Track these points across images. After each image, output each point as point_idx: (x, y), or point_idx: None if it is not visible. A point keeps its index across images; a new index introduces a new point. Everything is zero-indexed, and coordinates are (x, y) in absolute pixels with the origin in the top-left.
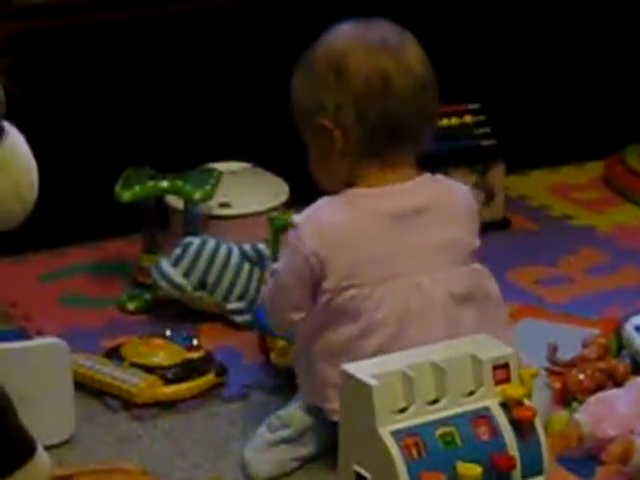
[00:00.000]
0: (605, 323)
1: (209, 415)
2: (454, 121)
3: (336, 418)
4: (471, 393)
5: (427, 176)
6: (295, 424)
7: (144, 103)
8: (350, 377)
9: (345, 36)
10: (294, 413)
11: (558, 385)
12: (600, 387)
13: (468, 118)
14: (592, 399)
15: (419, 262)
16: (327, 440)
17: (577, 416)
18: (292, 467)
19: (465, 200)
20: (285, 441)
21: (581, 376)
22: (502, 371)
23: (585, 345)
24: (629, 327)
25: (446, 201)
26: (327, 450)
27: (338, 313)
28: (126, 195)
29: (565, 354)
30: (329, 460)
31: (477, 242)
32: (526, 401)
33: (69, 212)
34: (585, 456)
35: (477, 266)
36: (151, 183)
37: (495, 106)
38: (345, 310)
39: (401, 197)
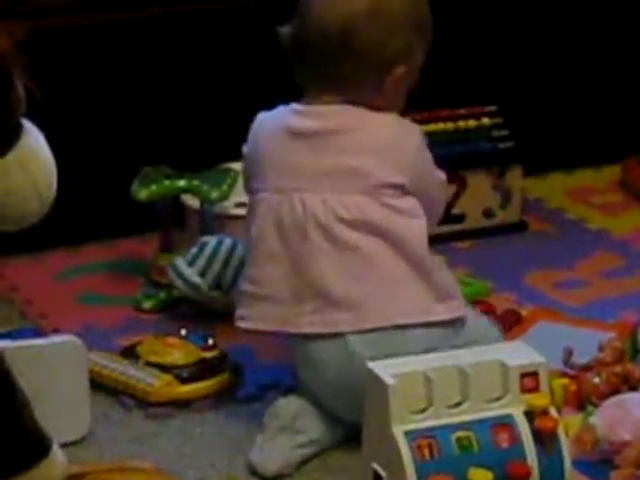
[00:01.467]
0: (621, 327)
1: (224, 415)
2: (472, 123)
3: (241, 324)
4: (497, 399)
5: (349, 107)
6: (282, 414)
7: (162, 102)
8: (372, 374)
9: None
10: (279, 404)
11: (573, 388)
12: (615, 391)
13: (486, 120)
14: (607, 403)
15: (309, 181)
16: (323, 424)
17: (592, 419)
18: (298, 456)
19: (387, 135)
20: (279, 432)
21: (596, 380)
22: (530, 379)
23: (601, 349)
24: None
25: (360, 131)
26: (328, 434)
27: (249, 213)
28: (143, 194)
29: (581, 358)
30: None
31: (397, 179)
32: (552, 411)
33: (86, 210)
34: (599, 460)
35: (396, 203)
36: (168, 182)
37: (513, 108)
38: (251, 211)
39: (310, 118)
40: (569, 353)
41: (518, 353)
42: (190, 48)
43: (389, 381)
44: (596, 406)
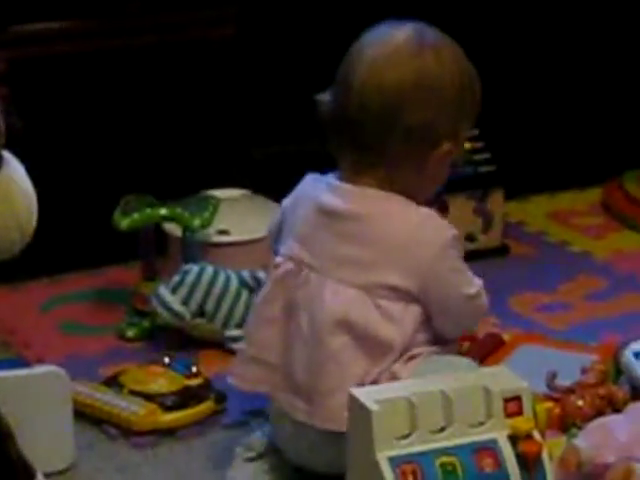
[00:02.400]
0: (603, 349)
1: (209, 442)
2: None
3: (233, 382)
4: (481, 424)
5: (382, 193)
6: (256, 447)
7: (142, 131)
8: (354, 400)
9: (457, 56)
10: (254, 438)
11: (557, 411)
12: (599, 413)
13: (467, 144)
14: (591, 425)
15: (322, 262)
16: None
17: (576, 442)
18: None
19: (406, 233)
20: (251, 460)
21: (580, 402)
22: (514, 404)
23: (584, 371)
24: (628, 353)
25: (380, 223)
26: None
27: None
28: (124, 222)
29: (564, 380)
30: None
31: (401, 282)
32: (536, 435)
33: (68, 240)
34: None
35: (389, 306)
36: (149, 210)
37: (494, 132)
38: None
39: (340, 197)
40: (552, 376)
41: (501, 378)
42: (171, 77)
43: (372, 407)
44: (580, 428)
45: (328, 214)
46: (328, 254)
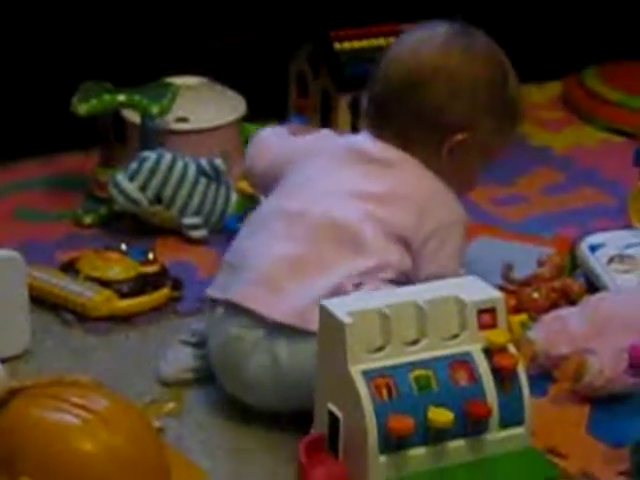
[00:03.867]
0: (560, 242)
1: (164, 329)
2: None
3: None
4: (455, 337)
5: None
6: (198, 334)
7: (101, 16)
8: (326, 313)
9: (490, 55)
10: (200, 326)
11: (512, 303)
12: (555, 306)
13: None
14: (546, 317)
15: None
16: None
17: (530, 333)
18: (193, 365)
19: (431, 194)
20: (187, 344)
21: (535, 294)
22: (488, 316)
23: (540, 264)
24: (584, 246)
25: (407, 177)
26: None
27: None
28: (83, 108)
29: (520, 273)
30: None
31: (404, 228)
32: (510, 348)
33: (25, 125)
34: (538, 374)
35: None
36: (108, 96)
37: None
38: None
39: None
40: (508, 268)
41: (475, 288)
42: None
43: (345, 320)
44: (535, 320)
45: (359, 153)
46: (347, 186)
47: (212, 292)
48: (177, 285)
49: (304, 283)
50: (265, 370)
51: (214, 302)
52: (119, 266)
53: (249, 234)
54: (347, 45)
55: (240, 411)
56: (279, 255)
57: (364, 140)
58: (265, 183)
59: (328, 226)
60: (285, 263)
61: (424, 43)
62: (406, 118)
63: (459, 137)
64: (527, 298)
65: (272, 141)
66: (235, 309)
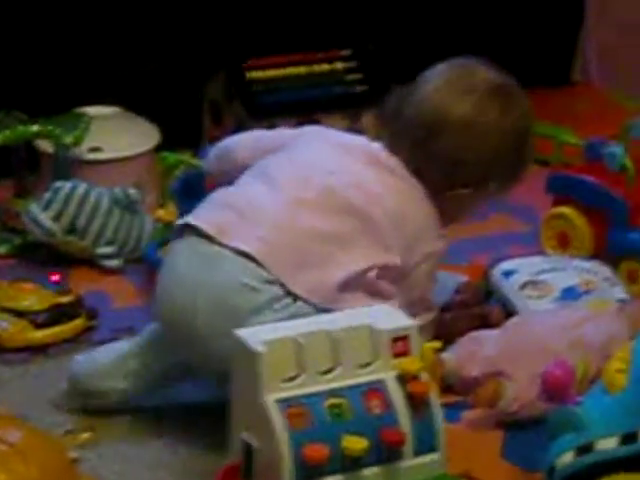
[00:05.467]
0: (474, 269)
1: None
2: (325, 67)
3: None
4: (368, 365)
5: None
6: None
7: (13, 46)
8: (240, 342)
9: (523, 108)
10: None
11: None
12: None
13: (339, 64)
14: (463, 338)
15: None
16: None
17: (444, 354)
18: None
19: (421, 224)
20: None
21: (462, 320)
22: (401, 344)
23: (459, 291)
24: (497, 273)
25: (402, 195)
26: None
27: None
28: None
29: (438, 299)
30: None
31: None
32: (423, 376)
33: None
34: (452, 401)
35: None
36: (21, 127)
37: (367, 52)
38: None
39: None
40: None
41: (388, 317)
42: None
43: (259, 349)
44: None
45: (375, 159)
46: (350, 178)
47: (205, 225)
48: (92, 315)
49: (330, 263)
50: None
51: (189, 230)
52: (34, 296)
53: (262, 184)
54: (260, 74)
55: (156, 442)
56: (307, 228)
57: (380, 149)
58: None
59: (352, 210)
60: (314, 238)
61: (463, 94)
62: (424, 155)
63: (464, 192)
64: (447, 324)
65: (248, 134)
66: (241, 255)
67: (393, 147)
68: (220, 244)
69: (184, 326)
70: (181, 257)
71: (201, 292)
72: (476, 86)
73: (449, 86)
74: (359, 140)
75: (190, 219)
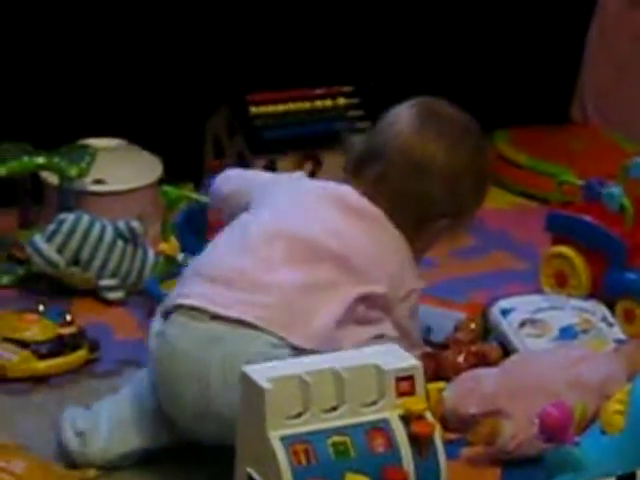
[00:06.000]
0: (472, 307)
1: (82, 390)
2: (328, 103)
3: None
4: (373, 403)
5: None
6: None
7: (19, 77)
8: (247, 378)
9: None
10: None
11: (430, 367)
12: (474, 369)
13: (341, 100)
14: (462, 376)
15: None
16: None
17: (445, 393)
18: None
19: (399, 261)
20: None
21: (454, 357)
22: (406, 383)
23: (457, 329)
24: (495, 311)
25: (378, 236)
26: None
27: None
28: (1, 170)
29: (436, 336)
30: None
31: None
32: (428, 416)
33: None
34: (450, 438)
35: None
36: (27, 158)
37: (369, 89)
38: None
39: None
40: (427, 330)
41: (394, 356)
42: (46, 26)
43: (265, 385)
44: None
45: (345, 203)
46: (322, 225)
47: (196, 302)
48: (94, 346)
49: (320, 309)
50: None
51: (177, 309)
52: (37, 327)
53: (237, 251)
54: (263, 109)
55: (161, 476)
56: (290, 282)
57: (350, 192)
58: (230, 206)
59: (328, 256)
60: (298, 290)
61: (436, 136)
62: (398, 194)
63: (444, 223)
64: (446, 361)
65: (239, 171)
66: (240, 324)
67: (363, 189)
68: (217, 317)
69: (198, 414)
70: (179, 340)
71: (212, 372)
72: (446, 131)
73: (419, 133)
74: (329, 185)
75: (180, 299)
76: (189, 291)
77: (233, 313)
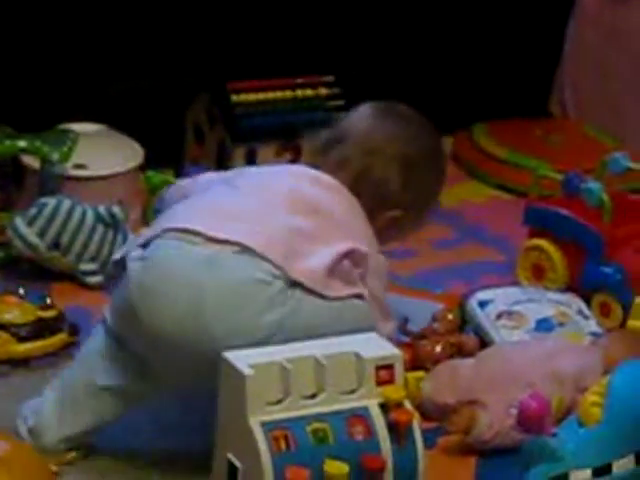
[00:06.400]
0: (450, 298)
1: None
2: (308, 92)
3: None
4: (353, 391)
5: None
6: None
7: (0, 62)
8: (227, 364)
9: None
10: None
11: (407, 356)
12: (451, 359)
13: (322, 90)
14: (440, 366)
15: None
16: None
17: (422, 383)
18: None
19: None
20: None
21: (431, 347)
22: (386, 372)
23: (435, 319)
24: (473, 302)
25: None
26: None
27: None
28: None
29: (413, 326)
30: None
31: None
32: (406, 404)
33: None
34: (427, 427)
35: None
36: (8, 142)
37: (350, 79)
38: None
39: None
40: (405, 321)
41: (374, 345)
42: (30, 8)
43: (246, 371)
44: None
45: (317, 180)
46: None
47: (190, 224)
48: (74, 330)
49: (312, 253)
50: (280, 322)
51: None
52: (17, 310)
53: (237, 195)
54: (244, 97)
55: (140, 461)
56: (285, 224)
57: (320, 173)
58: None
59: (316, 209)
60: (294, 233)
61: (397, 126)
62: (358, 178)
63: (394, 213)
64: (423, 350)
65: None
66: (240, 250)
67: (327, 171)
68: (215, 241)
69: (189, 332)
70: (173, 260)
71: (209, 293)
72: (407, 126)
73: (383, 118)
74: (300, 167)
75: (177, 223)
76: (183, 217)
77: (234, 236)
